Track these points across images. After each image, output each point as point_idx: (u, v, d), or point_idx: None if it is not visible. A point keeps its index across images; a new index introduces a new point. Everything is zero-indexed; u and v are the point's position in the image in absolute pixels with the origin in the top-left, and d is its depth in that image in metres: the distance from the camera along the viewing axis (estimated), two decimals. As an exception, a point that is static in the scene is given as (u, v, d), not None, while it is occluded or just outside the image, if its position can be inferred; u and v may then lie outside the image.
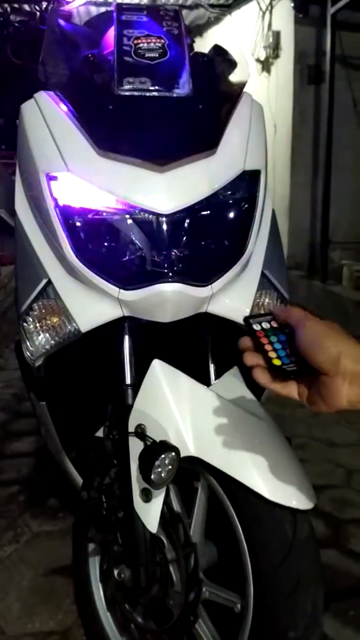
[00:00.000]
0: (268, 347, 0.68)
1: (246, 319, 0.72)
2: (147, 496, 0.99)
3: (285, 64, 5.02)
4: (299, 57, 4.87)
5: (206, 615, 1.09)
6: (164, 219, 0.97)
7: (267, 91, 5.17)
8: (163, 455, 0.93)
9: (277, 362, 0.67)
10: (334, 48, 4.37)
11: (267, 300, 1.11)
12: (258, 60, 5.27)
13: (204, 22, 4.58)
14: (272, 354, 0.67)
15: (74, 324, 1.03)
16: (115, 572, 1.10)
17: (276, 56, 5.13)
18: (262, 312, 0.69)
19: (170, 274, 0.97)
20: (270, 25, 5.13)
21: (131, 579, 1.06)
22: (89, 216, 1.00)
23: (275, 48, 5.10)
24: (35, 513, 1.87)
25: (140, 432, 0.99)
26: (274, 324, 0.70)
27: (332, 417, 2.61)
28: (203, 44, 1.38)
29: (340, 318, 4.15)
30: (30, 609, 1.46)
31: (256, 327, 0.70)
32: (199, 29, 4.91)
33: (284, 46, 5.03)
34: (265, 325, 0.70)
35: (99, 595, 1.21)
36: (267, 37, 5.13)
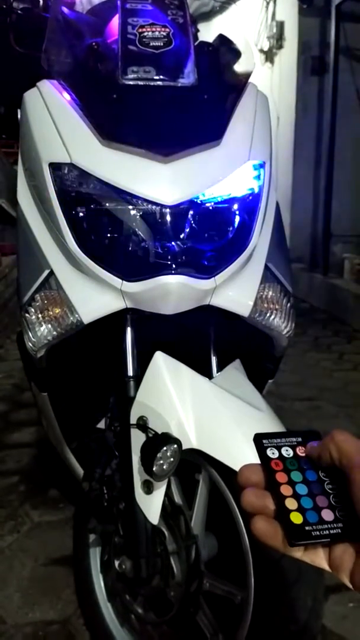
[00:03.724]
0: (286, 490, 0.44)
1: (257, 437, 0.47)
2: (148, 488, 0.99)
3: (288, 54, 4.99)
4: (303, 48, 4.84)
5: (206, 606, 1.09)
6: (167, 210, 0.96)
7: (270, 82, 5.14)
8: (165, 448, 0.93)
9: (297, 517, 0.43)
10: (338, 39, 4.34)
11: (270, 293, 1.10)
12: (261, 50, 5.24)
13: (208, 10, 4.55)
14: (291, 504, 0.44)
15: (76, 315, 1.02)
16: (116, 563, 1.10)
17: (280, 47, 5.10)
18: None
19: (174, 266, 0.97)
20: (274, 15, 5.10)
21: (132, 570, 1.06)
22: (92, 206, 0.99)
23: (279, 38, 5.07)
24: (35, 503, 1.87)
25: (142, 424, 0.99)
26: (301, 452, 0.46)
27: (332, 410, 2.62)
28: (207, 33, 1.37)
29: (342, 311, 4.14)
30: (30, 599, 1.47)
31: (272, 452, 0.46)
32: (203, 17, 4.88)
33: (288, 37, 5.00)
34: (287, 452, 0.46)
35: (99, 586, 1.22)
36: (271, 27, 5.10)
